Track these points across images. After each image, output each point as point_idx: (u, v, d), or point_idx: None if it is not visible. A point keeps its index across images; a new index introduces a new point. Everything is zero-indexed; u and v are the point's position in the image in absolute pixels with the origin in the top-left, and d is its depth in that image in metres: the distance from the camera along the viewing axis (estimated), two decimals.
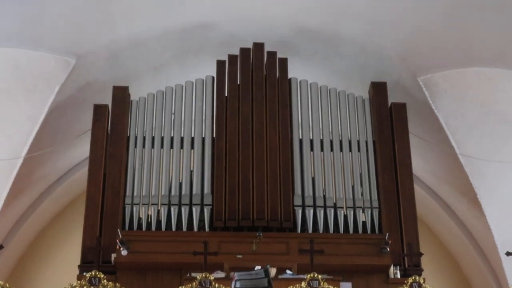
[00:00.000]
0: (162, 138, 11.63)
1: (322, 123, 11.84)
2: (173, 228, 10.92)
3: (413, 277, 8.95)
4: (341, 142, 11.75)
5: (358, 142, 11.80)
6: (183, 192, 11.13)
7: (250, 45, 12.16)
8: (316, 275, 8.48)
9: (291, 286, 8.47)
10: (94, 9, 11.08)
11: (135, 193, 11.14)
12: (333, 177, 11.44)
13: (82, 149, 13.33)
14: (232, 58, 12.09)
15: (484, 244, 13.54)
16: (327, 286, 8.39)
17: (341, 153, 11.67)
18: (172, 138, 11.63)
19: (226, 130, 11.56)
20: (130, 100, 11.90)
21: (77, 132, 12.68)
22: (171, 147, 11.56)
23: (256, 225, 10.88)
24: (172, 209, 10.99)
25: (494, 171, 11.78)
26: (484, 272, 13.85)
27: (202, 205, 11.04)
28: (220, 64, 12.05)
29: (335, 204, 11.21)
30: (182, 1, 11.28)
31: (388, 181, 11.48)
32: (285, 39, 12.28)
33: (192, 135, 11.64)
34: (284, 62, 12.12)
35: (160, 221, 10.98)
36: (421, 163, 13.72)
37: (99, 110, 11.74)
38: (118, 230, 10.68)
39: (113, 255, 10.60)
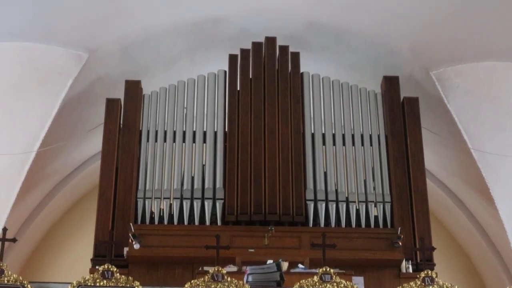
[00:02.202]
0: (175, 132, 11.64)
1: (334, 117, 11.83)
2: (185, 222, 10.93)
3: (426, 272, 8.90)
4: (353, 136, 11.73)
5: (370, 136, 11.78)
6: (195, 186, 11.14)
7: (262, 39, 12.15)
8: (328, 269, 8.45)
9: (303, 280, 8.44)
10: (106, 3, 11.10)
11: (147, 187, 11.15)
12: (345, 171, 11.42)
13: (94, 143, 13.38)
14: (244, 52, 12.09)
15: (496, 238, 13.51)
16: (339, 280, 8.37)
17: (353, 147, 11.65)
18: (184, 132, 11.64)
19: (238, 124, 11.57)
20: (143, 94, 11.92)
21: (90, 126, 12.72)
22: (183, 141, 11.57)
23: (268, 219, 10.89)
24: (184, 203, 11.00)
25: (507, 166, 11.73)
26: (496, 266, 13.83)
27: (214, 199, 11.05)
28: (232, 58, 12.05)
29: (347, 198, 11.20)
30: None
31: (400, 175, 11.46)
32: (297, 33, 12.27)
33: (204, 129, 11.65)
34: (296, 56, 12.11)
35: (172, 215, 11.00)
36: (433, 158, 13.69)
37: (111, 104, 11.76)
38: (131, 224, 10.71)
39: (126, 249, 10.64)
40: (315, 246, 9.43)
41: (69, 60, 11.80)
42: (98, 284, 8.25)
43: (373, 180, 11.42)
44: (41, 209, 13.96)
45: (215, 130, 11.62)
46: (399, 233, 10.76)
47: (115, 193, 11.19)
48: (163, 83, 12.08)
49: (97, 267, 9.38)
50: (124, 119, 11.69)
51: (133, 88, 11.87)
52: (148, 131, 11.65)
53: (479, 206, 13.34)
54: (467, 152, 12.05)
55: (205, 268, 9.33)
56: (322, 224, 10.99)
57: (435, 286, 8.38)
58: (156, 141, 11.58)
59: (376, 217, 11.16)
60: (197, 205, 10.99)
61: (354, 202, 11.20)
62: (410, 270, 10.77)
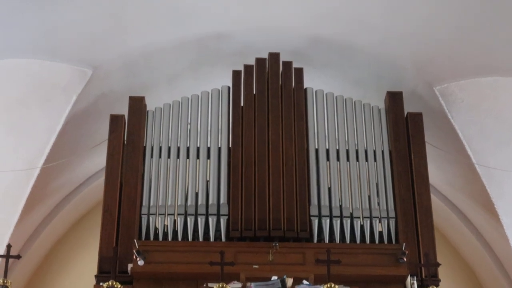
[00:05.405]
0: (178, 148, 11.64)
1: (338, 132, 11.83)
2: (190, 238, 10.92)
3: None
4: (357, 151, 11.72)
5: (374, 151, 11.76)
6: (199, 202, 11.13)
7: (265, 55, 12.18)
8: (333, 285, 8.46)
9: None
10: (109, 20, 11.15)
11: (151, 203, 11.15)
12: (349, 187, 11.41)
13: (98, 160, 13.39)
14: (247, 68, 12.10)
15: (501, 254, 13.47)
16: None
17: (357, 163, 11.64)
18: (188, 148, 11.64)
19: (242, 140, 11.57)
20: (146, 110, 11.93)
21: (94, 143, 12.73)
22: (187, 157, 11.57)
23: (273, 235, 10.86)
24: (188, 219, 10.99)
25: (511, 180, 11.72)
26: (501, 282, 13.78)
27: (218, 215, 11.04)
28: (236, 74, 12.07)
29: (351, 214, 11.19)
30: (196, 12, 11.31)
31: (404, 190, 11.44)
32: (300, 49, 12.29)
33: (208, 145, 11.65)
34: (299, 72, 12.12)
35: (177, 231, 10.98)
36: (437, 173, 13.67)
37: (115, 120, 11.76)
38: (135, 240, 10.70)
39: (130, 265, 10.61)
40: (319, 262, 9.45)
41: (73, 76, 11.83)
42: None
43: (378, 195, 11.40)
44: (45, 226, 13.95)
45: (219, 146, 11.63)
46: (403, 248, 10.73)
47: (119, 209, 11.18)
48: (167, 99, 12.10)
49: (101, 283, 9.45)
50: (128, 135, 11.70)
51: (137, 104, 11.89)
52: (152, 147, 11.66)
53: (484, 221, 13.31)
54: (472, 167, 12.03)
55: (210, 285, 9.32)
56: (327, 240, 10.97)
57: None
58: (160, 157, 11.58)
59: (380, 233, 11.13)
60: (201, 221, 10.98)
61: (359, 217, 11.17)
62: (415, 286, 10.71)
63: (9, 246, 9.22)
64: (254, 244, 10.89)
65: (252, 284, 8.75)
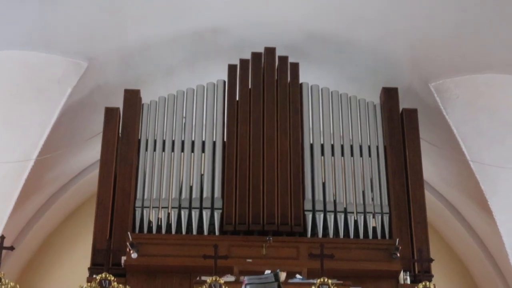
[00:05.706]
0: (173, 142, 11.64)
1: (333, 128, 11.83)
2: (183, 232, 10.93)
3: (423, 283, 8.93)
4: (352, 147, 11.74)
5: (369, 147, 11.78)
6: (193, 196, 11.14)
7: (261, 50, 12.16)
8: (326, 280, 8.46)
9: None
10: (106, 12, 11.12)
11: (145, 196, 11.15)
12: (343, 182, 11.43)
13: (93, 152, 13.38)
14: (243, 62, 12.10)
15: (494, 250, 13.50)
16: None
17: (352, 158, 11.65)
18: (183, 142, 11.63)
19: (237, 134, 11.57)
20: (142, 103, 11.92)
21: (88, 135, 12.72)
22: (182, 150, 11.57)
23: (266, 229, 10.89)
24: (182, 212, 11.00)
25: (505, 178, 11.74)
26: (494, 278, 13.81)
27: (212, 208, 11.04)
28: (232, 68, 12.06)
29: (345, 209, 11.21)
30: (193, 6, 11.30)
31: (398, 186, 11.46)
32: (297, 44, 12.28)
33: (203, 139, 11.64)
34: (295, 66, 12.12)
35: (170, 224, 10.99)
36: (431, 169, 13.68)
37: (110, 113, 11.76)
38: (128, 233, 10.70)
39: (123, 258, 10.62)
40: (313, 256, 9.46)
41: (68, 68, 11.81)
42: None
43: (372, 191, 11.42)
44: (39, 217, 13.94)
45: (214, 140, 11.62)
46: (397, 244, 10.76)
47: (113, 202, 11.18)
48: (162, 92, 12.09)
49: (94, 276, 9.41)
50: (123, 128, 11.69)
51: (132, 97, 11.88)
52: (147, 140, 11.65)
53: (478, 217, 13.33)
54: (466, 164, 12.05)
55: (203, 278, 9.32)
56: (320, 235, 10.99)
57: None
58: (154, 150, 11.58)
59: (374, 228, 11.15)
60: (195, 214, 10.99)
61: (353, 213, 11.19)
62: (408, 281, 10.75)
63: (2, 238, 9.19)
64: (247, 238, 10.91)
65: (246, 278, 8.75)
